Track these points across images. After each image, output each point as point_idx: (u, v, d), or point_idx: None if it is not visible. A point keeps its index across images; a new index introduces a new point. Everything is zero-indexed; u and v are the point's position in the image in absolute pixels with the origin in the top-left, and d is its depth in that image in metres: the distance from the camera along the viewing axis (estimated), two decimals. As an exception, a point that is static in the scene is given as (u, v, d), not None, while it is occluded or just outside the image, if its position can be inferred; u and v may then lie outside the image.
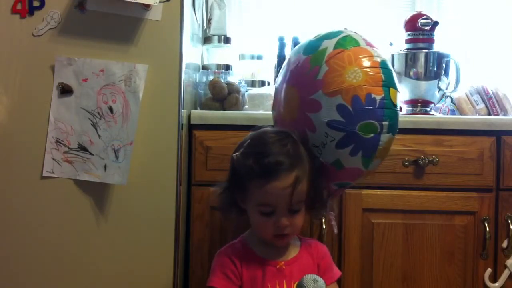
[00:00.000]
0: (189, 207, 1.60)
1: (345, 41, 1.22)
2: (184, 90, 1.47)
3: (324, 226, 1.57)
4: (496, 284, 1.60)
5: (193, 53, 1.76)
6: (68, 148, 1.42)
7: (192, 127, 1.60)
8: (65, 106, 1.42)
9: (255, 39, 2.21)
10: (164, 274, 1.44)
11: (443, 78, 1.83)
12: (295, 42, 2.04)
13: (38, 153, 1.42)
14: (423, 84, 1.83)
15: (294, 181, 1.17)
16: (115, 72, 1.41)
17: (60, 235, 1.43)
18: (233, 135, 1.59)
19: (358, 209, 1.60)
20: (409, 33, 1.87)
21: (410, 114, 1.85)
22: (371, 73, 1.18)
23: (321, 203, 1.27)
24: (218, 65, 1.91)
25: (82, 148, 1.42)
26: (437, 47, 1.86)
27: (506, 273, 1.60)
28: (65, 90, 1.42)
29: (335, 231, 1.42)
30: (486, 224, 1.59)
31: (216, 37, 1.98)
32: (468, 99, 1.99)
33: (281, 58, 2.03)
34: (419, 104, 1.86)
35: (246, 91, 1.85)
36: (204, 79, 1.83)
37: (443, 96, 1.89)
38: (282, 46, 2.05)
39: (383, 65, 1.20)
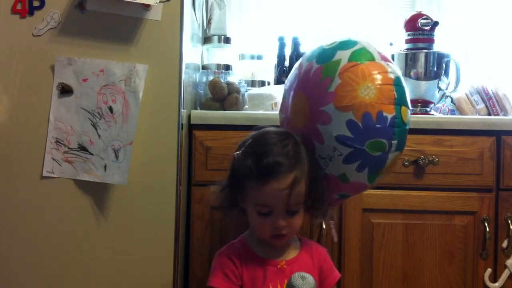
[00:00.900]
0: (189, 207, 1.60)
1: (360, 54, 1.21)
2: (184, 90, 1.47)
3: (324, 226, 1.57)
4: (496, 284, 1.60)
5: (193, 53, 1.75)
6: (68, 148, 1.42)
7: (192, 127, 1.60)
8: (65, 106, 1.42)
9: (255, 39, 2.21)
10: (164, 274, 1.44)
11: (443, 78, 1.83)
12: (295, 42, 2.04)
13: (38, 153, 1.42)
14: (423, 84, 1.83)
15: (292, 182, 1.17)
16: (115, 72, 1.41)
17: (60, 235, 1.43)
18: (233, 135, 1.59)
19: (358, 209, 1.60)
20: (409, 33, 1.87)
21: (410, 114, 1.85)
22: (384, 90, 1.16)
23: (321, 205, 1.26)
24: (218, 65, 1.91)
25: (82, 148, 1.42)
26: (437, 47, 1.86)
27: (506, 273, 1.60)
28: (65, 90, 1.42)
29: (335, 239, 1.43)
30: (486, 224, 1.59)
31: (216, 37, 1.98)
32: (468, 99, 1.99)
33: (281, 58, 2.04)
34: (419, 104, 1.86)
35: (246, 91, 1.85)
36: (204, 79, 1.83)
37: (443, 96, 1.89)
38: (282, 46, 2.05)
39: (396, 83, 1.18)
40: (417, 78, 1.83)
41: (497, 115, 1.95)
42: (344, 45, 1.25)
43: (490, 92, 1.97)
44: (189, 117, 1.58)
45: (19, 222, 1.42)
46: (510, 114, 1.94)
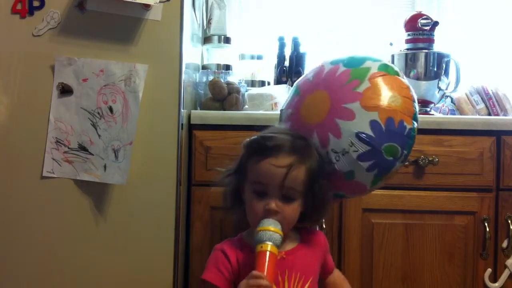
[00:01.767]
0: (189, 207, 1.60)
1: (388, 68, 1.30)
2: (184, 90, 1.47)
3: (324, 226, 1.57)
4: (496, 284, 1.60)
5: (193, 53, 1.76)
6: (68, 148, 1.42)
7: (192, 127, 1.60)
8: (65, 106, 1.42)
9: (255, 39, 2.21)
10: (164, 274, 1.44)
11: (443, 78, 1.83)
12: (295, 42, 2.04)
13: (38, 153, 1.42)
14: (423, 84, 1.83)
15: (290, 163, 1.18)
16: (115, 72, 1.41)
17: (60, 235, 1.43)
18: (233, 135, 1.59)
19: (358, 209, 1.60)
20: (409, 33, 1.87)
21: (410, 114, 1.85)
22: (408, 103, 1.25)
23: (321, 206, 1.25)
24: (218, 65, 1.91)
25: (82, 148, 1.42)
26: (437, 47, 1.86)
27: (506, 273, 1.60)
28: (65, 90, 1.42)
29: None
30: (486, 224, 1.59)
31: (216, 37, 1.98)
32: (468, 99, 1.99)
33: (281, 58, 2.03)
34: (419, 104, 1.85)
35: (246, 91, 1.85)
36: (204, 79, 1.83)
37: (443, 96, 1.89)
38: (282, 46, 2.05)
39: (415, 101, 1.28)
40: (417, 78, 1.83)
41: (497, 115, 1.95)
42: (372, 58, 1.33)
43: (490, 92, 1.97)
44: (189, 117, 1.58)
45: (19, 222, 1.42)
46: (510, 114, 1.94)
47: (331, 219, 1.59)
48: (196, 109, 1.79)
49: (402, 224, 1.60)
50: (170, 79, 1.43)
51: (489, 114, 1.96)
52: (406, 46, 1.87)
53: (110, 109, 1.41)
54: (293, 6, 2.27)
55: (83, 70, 1.41)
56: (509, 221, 1.60)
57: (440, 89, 1.84)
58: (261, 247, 1.13)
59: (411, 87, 1.29)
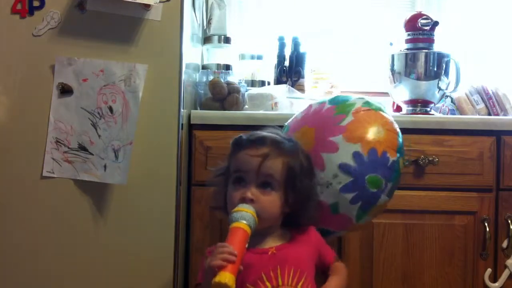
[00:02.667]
0: (189, 207, 1.60)
1: (372, 104, 1.33)
2: (184, 90, 1.47)
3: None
4: (496, 284, 1.60)
5: (193, 53, 1.76)
6: (68, 148, 1.42)
7: (192, 127, 1.60)
8: (65, 106, 1.42)
9: (255, 39, 2.21)
10: (164, 274, 1.44)
11: (443, 78, 1.83)
12: (295, 42, 2.04)
13: (38, 153, 1.42)
14: (423, 84, 1.83)
15: (266, 153, 1.19)
16: (115, 72, 1.41)
17: (60, 234, 1.43)
18: (233, 135, 1.57)
19: (358, 209, 1.59)
20: (409, 33, 1.87)
21: (410, 114, 1.85)
22: (391, 136, 1.28)
23: (305, 205, 1.24)
24: (218, 65, 1.91)
25: (82, 148, 1.42)
26: (437, 47, 1.86)
27: (506, 273, 1.60)
28: (65, 90, 1.42)
29: None
30: (486, 224, 1.59)
31: (216, 37, 1.98)
32: (468, 99, 1.99)
33: (281, 58, 2.03)
34: (419, 104, 1.86)
35: (246, 91, 1.84)
36: (204, 79, 1.83)
37: (443, 96, 1.89)
38: (282, 46, 2.05)
39: (399, 135, 1.31)
40: (417, 78, 1.83)
41: (497, 115, 1.95)
42: (356, 97, 1.37)
43: (490, 92, 1.97)
44: (189, 117, 1.58)
45: (19, 222, 1.42)
46: (510, 114, 1.94)
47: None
48: (196, 109, 1.79)
49: (402, 224, 1.60)
50: (170, 79, 1.43)
51: (489, 114, 1.96)
52: (406, 46, 1.87)
53: (110, 109, 1.41)
54: (293, 6, 2.27)
55: (83, 70, 1.41)
56: (509, 221, 1.60)
57: (440, 89, 1.84)
58: (234, 224, 1.13)
59: (394, 122, 1.32)
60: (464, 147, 1.60)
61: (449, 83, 1.85)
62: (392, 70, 1.88)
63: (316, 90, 2.06)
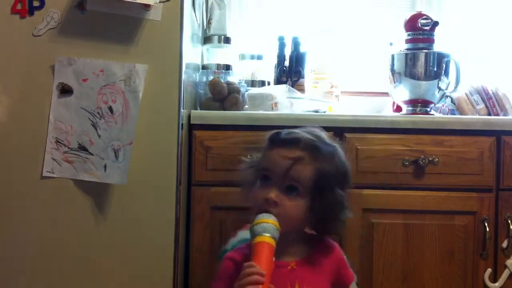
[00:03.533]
0: (189, 207, 1.60)
1: None
2: (184, 90, 1.47)
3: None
4: (496, 284, 1.60)
5: (193, 53, 1.76)
6: (68, 148, 1.42)
7: (192, 127, 1.60)
8: (65, 106, 1.42)
9: (255, 39, 2.21)
10: (164, 274, 1.44)
11: (443, 78, 1.83)
12: (295, 42, 2.04)
13: (38, 153, 1.42)
14: (423, 84, 1.83)
15: (297, 157, 1.16)
16: (115, 72, 1.41)
17: (60, 234, 1.43)
18: (233, 135, 1.59)
19: (358, 209, 1.59)
20: (409, 33, 1.87)
21: (410, 114, 1.85)
22: None
23: (332, 215, 1.20)
24: (218, 65, 1.90)
25: (82, 148, 1.42)
26: (437, 47, 1.86)
27: (506, 273, 1.60)
28: (65, 90, 1.42)
29: None
30: (486, 224, 1.59)
31: (216, 37, 1.98)
32: (468, 99, 1.99)
33: (281, 58, 2.03)
34: (419, 104, 1.86)
35: (246, 91, 1.84)
36: (204, 79, 1.83)
37: (443, 96, 1.89)
38: (282, 46, 2.05)
39: None
40: (417, 78, 1.83)
41: (497, 115, 1.95)
42: None
43: (490, 92, 1.97)
44: (189, 117, 1.58)
45: (19, 222, 1.42)
46: (510, 114, 1.94)
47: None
48: (196, 109, 1.79)
49: (402, 224, 1.60)
50: (170, 79, 1.43)
51: (489, 114, 1.96)
52: (406, 46, 1.87)
53: (110, 109, 1.41)
54: (293, 6, 2.27)
55: (83, 70, 1.41)
56: (509, 221, 1.60)
57: (440, 89, 1.84)
58: (258, 239, 1.10)
59: None
60: (464, 147, 1.60)
61: (449, 83, 1.85)
62: (392, 70, 1.88)
63: (316, 90, 2.06)
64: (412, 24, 1.86)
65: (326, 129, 1.57)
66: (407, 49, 1.86)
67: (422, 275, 1.60)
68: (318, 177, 1.17)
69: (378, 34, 2.24)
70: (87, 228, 1.43)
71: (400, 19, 1.93)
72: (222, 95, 1.75)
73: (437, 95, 1.85)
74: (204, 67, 1.93)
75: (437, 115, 1.94)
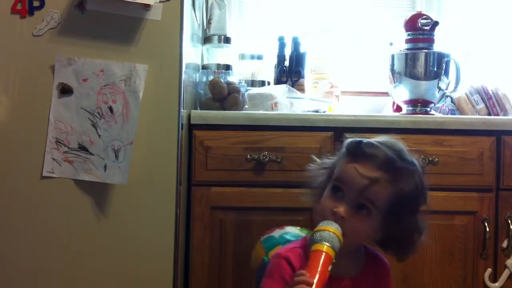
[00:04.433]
0: (189, 207, 1.60)
1: None
2: (184, 90, 1.47)
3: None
4: (496, 284, 1.60)
5: (193, 53, 1.75)
6: (68, 148, 1.42)
7: (192, 127, 1.60)
8: (65, 106, 1.42)
9: (255, 39, 2.21)
10: (164, 274, 1.44)
11: (443, 78, 1.83)
12: (295, 42, 2.04)
13: (38, 153, 1.42)
14: (423, 84, 1.83)
15: (374, 177, 1.09)
16: (115, 72, 1.41)
17: (60, 235, 1.43)
18: (233, 135, 1.59)
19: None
20: (409, 33, 1.87)
21: (410, 114, 1.85)
22: None
23: (404, 241, 1.15)
24: (218, 65, 1.90)
25: (82, 148, 1.42)
26: (437, 47, 1.86)
27: (506, 273, 1.60)
28: (65, 90, 1.42)
29: None
30: (486, 224, 1.59)
31: (216, 37, 1.98)
32: (468, 99, 1.99)
33: (281, 58, 2.03)
34: (419, 104, 1.86)
35: (246, 91, 1.84)
36: (204, 79, 1.83)
37: (443, 96, 1.89)
38: (282, 46, 2.05)
39: None
40: (417, 78, 1.83)
41: (497, 115, 1.95)
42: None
43: (490, 92, 1.97)
44: (189, 117, 1.58)
45: (19, 222, 1.42)
46: (510, 114, 1.94)
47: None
48: (196, 109, 1.79)
49: (402, 224, 1.60)
50: (170, 79, 1.43)
51: (489, 114, 1.96)
52: (406, 46, 1.87)
53: (110, 109, 1.41)
54: (293, 6, 2.27)
55: (83, 70, 1.41)
56: (509, 221, 1.60)
57: (440, 89, 1.84)
58: (316, 247, 1.04)
59: None
60: (464, 147, 1.60)
61: (449, 83, 1.85)
62: (392, 70, 1.88)
63: (316, 90, 2.06)
64: (412, 24, 1.86)
65: (326, 129, 1.58)
66: (407, 49, 1.86)
67: (422, 275, 1.60)
68: (394, 200, 1.11)
69: (378, 34, 2.24)
70: (87, 228, 1.43)
71: (400, 19, 1.93)
72: (222, 95, 1.75)
73: (437, 95, 1.85)
74: (204, 67, 1.93)
75: (437, 115, 1.94)
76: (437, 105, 1.96)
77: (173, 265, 1.44)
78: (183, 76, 1.45)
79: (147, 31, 1.42)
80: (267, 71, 2.07)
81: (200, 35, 1.97)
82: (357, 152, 1.13)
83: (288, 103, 1.82)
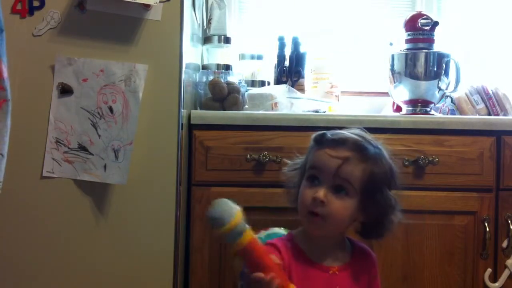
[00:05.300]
0: (189, 207, 1.60)
1: None
2: (184, 90, 1.47)
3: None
4: (496, 284, 1.60)
5: (193, 53, 1.75)
6: (68, 148, 1.42)
7: (192, 127, 1.60)
8: (65, 106, 1.42)
9: (255, 39, 2.21)
10: (164, 274, 1.44)
11: (443, 78, 1.83)
12: (295, 42, 2.04)
13: (38, 153, 1.42)
14: (423, 84, 1.83)
15: (346, 156, 1.15)
16: (115, 72, 1.41)
17: (60, 235, 1.43)
18: (233, 135, 1.59)
19: (358, 209, 1.59)
20: (409, 33, 1.87)
21: (410, 114, 1.85)
22: None
23: (382, 219, 1.20)
24: (218, 65, 1.91)
25: (82, 148, 1.42)
26: (437, 47, 1.86)
27: (506, 273, 1.60)
28: (65, 90, 1.42)
29: None
30: (486, 224, 1.59)
31: (216, 37, 1.98)
32: (468, 99, 1.99)
33: (281, 58, 2.03)
34: (419, 104, 1.86)
35: (246, 91, 1.84)
36: (204, 79, 1.83)
37: (443, 96, 1.89)
38: (282, 46, 2.05)
39: None
40: (417, 78, 1.83)
41: (497, 115, 1.95)
42: None
43: (490, 92, 1.97)
44: (189, 117, 1.58)
45: (19, 222, 1.42)
46: (510, 114, 1.94)
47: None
48: (196, 109, 1.79)
49: (402, 224, 1.60)
50: (170, 79, 1.43)
51: (489, 114, 1.96)
52: (406, 46, 1.87)
53: (110, 109, 1.41)
54: (293, 6, 2.27)
55: (83, 70, 1.41)
56: (509, 221, 1.60)
57: (440, 89, 1.84)
58: (239, 245, 1.05)
59: None
60: (464, 147, 1.60)
61: (449, 83, 1.85)
62: (392, 70, 1.88)
63: (316, 90, 2.06)
64: (412, 24, 1.86)
65: (326, 129, 1.57)
66: (407, 49, 1.86)
67: (422, 275, 1.60)
68: (367, 177, 1.16)
69: (378, 34, 2.24)
70: (87, 228, 1.43)
71: (400, 19, 1.93)
72: (222, 95, 1.75)
73: (437, 95, 1.85)
74: (204, 67, 1.93)
75: (437, 115, 1.94)
76: (437, 105, 1.96)
77: (173, 265, 1.44)
78: (183, 76, 1.45)
79: (147, 31, 1.42)
80: (267, 71, 2.07)
81: (200, 35, 1.97)
82: (325, 140, 1.19)
83: (288, 103, 1.82)
